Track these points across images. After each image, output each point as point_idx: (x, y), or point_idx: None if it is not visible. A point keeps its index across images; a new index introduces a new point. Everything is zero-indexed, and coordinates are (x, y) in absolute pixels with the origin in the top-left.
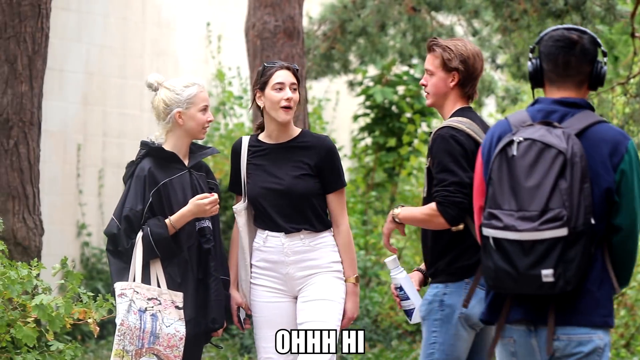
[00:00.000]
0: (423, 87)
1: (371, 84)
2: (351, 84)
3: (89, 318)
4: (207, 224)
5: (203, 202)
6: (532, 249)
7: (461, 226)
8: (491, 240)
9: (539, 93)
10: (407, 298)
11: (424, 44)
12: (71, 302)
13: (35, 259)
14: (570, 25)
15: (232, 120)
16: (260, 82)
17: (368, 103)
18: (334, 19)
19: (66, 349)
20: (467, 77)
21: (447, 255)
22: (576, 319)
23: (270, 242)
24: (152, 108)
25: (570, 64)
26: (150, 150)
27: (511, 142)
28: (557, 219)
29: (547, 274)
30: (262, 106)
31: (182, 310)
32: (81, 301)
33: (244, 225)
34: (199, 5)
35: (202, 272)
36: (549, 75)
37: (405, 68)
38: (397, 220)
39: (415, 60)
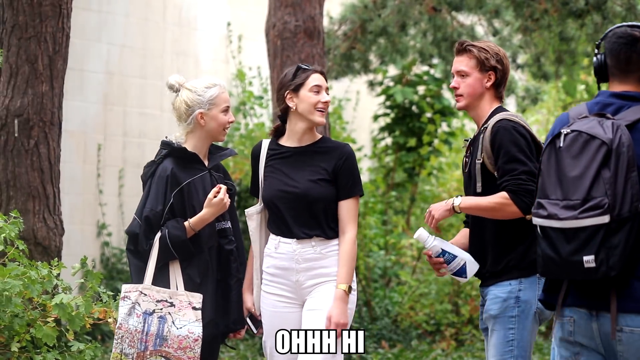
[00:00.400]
0: (454, 89)
1: (391, 83)
2: (371, 84)
3: (109, 317)
4: (228, 224)
5: (217, 199)
6: (575, 236)
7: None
8: (538, 229)
9: (595, 88)
10: (454, 257)
11: (444, 44)
12: (91, 302)
13: (56, 259)
14: (634, 23)
15: (252, 120)
16: (294, 84)
17: (388, 103)
18: (355, 19)
19: (86, 349)
20: (502, 77)
21: (516, 249)
22: (632, 305)
23: (281, 248)
24: (173, 109)
25: (632, 59)
26: (172, 151)
27: (559, 134)
28: (598, 207)
29: (588, 259)
30: (293, 107)
31: (199, 311)
32: (101, 301)
33: (256, 229)
34: (219, 5)
35: (222, 273)
36: (612, 70)
37: (426, 68)
38: (456, 210)
39: (435, 60)
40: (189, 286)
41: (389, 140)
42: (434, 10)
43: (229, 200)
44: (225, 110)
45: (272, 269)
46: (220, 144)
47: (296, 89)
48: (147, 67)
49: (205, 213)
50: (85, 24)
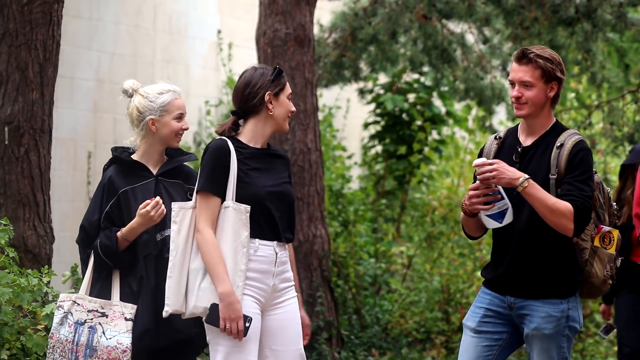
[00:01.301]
0: (517, 98)
1: (382, 91)
2: (362, 92)
3: None
4: (168, 232)
5: (146, 210)
6: None
7: (578, 239)
8: None
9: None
10: (503, 198)
11: (434, 52)
12: None
13: (46, 267)
14: None
15: None
16: (275, 88)
17: (379, 111)
18: (345, 27)
19: None
20: (560, 87)
21: (567, 269)
22: None
23: (261, 250)
24: (127, 114)
25: None
26: (114, 158)
27: None
28: None
29: None
30: (271, 110)
31: (131, 322)
32: None
33: (230, 228)
34: (209, 13)
35: (163, 281)
36: None
37: (416, 76)
38: (518, 189)
39: (426, 68)
40: (127, 295)
41: (379, 148)
42: (424, 18)
43: (162, 212)
44: (179, 117)
45: (250, 272)
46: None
47: (277, 93)
48: (138, 74)
49: (134, 222)
50: (76, 31)
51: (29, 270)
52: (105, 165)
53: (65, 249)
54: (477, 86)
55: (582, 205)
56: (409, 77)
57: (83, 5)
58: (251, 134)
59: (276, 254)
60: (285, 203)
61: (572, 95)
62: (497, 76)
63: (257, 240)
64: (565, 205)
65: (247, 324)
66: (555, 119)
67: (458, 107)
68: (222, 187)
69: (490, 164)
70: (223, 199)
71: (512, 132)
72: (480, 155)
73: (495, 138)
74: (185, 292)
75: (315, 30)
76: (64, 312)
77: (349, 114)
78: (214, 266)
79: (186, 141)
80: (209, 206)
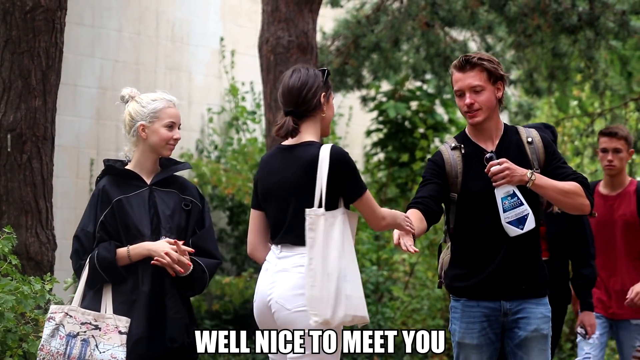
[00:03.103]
0: (470, 106)
1: (384, 99)
2: (364, 99)
3: None
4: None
5: (166, 255)
6: None
7: (596, 214)
8: None
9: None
10: (522, 203)
11: (437, 60)
12: None
13: (48, 274)
14: None
15: (245, 136)
16: (328, 89)
17: (381, 118)
18: (348, 35)
19: None
20: (504, 87)
21: (544, 265)
22: None
23: None
24: (122, 122)
25: None
26: (107, 168)
27: None
28: None
29: None
30: (324, 112)
31: (125, 336)
32: None
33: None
34: (212, 21)
35: (157, 289)
36: None
37: (419, 83)
38: (528, 185)
39: (428, 76)
40: (118, 307)
41: (381, 156)
42: (427, 25)
43: (173, 259)
44: (170, 125)
45: None
46: (204, 160)
47: (328, 96)
48: (140, 82)
49: (145, 249)
50: (79, 39)
51: (31, 277)
52: (98, 177)
53: (68, 256)
54: None
55: (584, 179)
56: (412, 84)
57: (86, 12)
58: (315, 135)
59: None
60: None
61: (575, 103)
62: None
63: None
64: (574, 184)
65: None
66: (503, 122)
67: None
68: None
69: (500, 163)
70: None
71: (466, 141)
72: (442, 169)
73: (454, 149)
74: (332, 300)
75: (318, 37)
76: (56, 324)
77: (351, 121)
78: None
79: (188, 148)
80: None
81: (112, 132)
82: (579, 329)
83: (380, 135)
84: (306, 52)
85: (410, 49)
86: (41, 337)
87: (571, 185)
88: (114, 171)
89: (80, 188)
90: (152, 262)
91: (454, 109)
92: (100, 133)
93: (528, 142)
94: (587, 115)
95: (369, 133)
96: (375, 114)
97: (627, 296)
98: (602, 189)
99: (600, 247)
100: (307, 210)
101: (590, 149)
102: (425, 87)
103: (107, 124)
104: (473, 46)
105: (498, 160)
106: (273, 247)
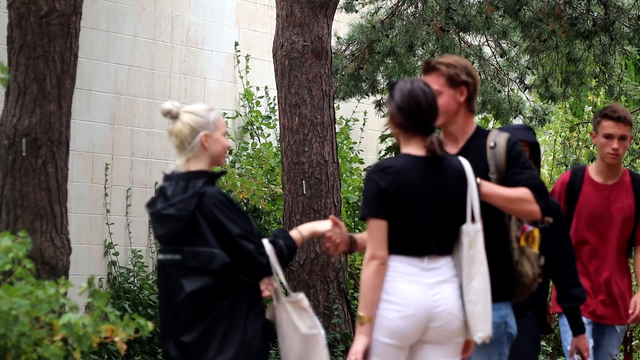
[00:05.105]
0: None
1: None
2: (379, 104)
3: (116, 337)
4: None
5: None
6: None
7: (550, 219)
8: None
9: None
10: None
11: None
12: (99, 321)
13: (63, 278)
14: None
15: (259, 140)
16: None
17: None
18: (362, 39)
19: None
20: (474, 90)
21: (507, 270)
22: None
23: None
24: (172, 136)
25: None
26: (211, 175)
27: None
28: None
29: None
30: None
31: None
32: (108, 320)
33: None
34: (227, 26)
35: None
36: None
37: None
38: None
39: None
40: None
41: None
42: (441, 30)
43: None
44: (225, 133)
45: None
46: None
47: None
48: (155, 87)
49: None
50: (94, 43)
51: (45, 281)
52: (201, 188)
53: (82, 261)
54: (494, 99)
55: (537, 184)
56: None
57: (101, 17)
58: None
59: None
60: None
61: (589, 108)
62: (514, 89)
63: None
64: (523, 190)
65: None
66: (476, 124)
67: (475, 119)
68: None
69: None
70: None
71: None
72: None
73: None
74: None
75: (333, 42)
76: None
77: (365, 126)
78: None
79: None
80: None
81: (127, 136)
82: (575, 356)
83: (395, 140)
84: (321, 57)
85: (425, 54)
86: (55, 341)
87: (519, 191)
88: (215, 177)
89: (95, 192)
90: None
91: None
92: (115, 138)
93: (490, 147)
94: None
95: (383, 138)
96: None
97: (630, 311)
98: (595, 176)
99: (592, 239)
100: (464, 227)
101: None
102: None
103: (122, 129)
104: (488, 51)
105: None
106: (410, 258)
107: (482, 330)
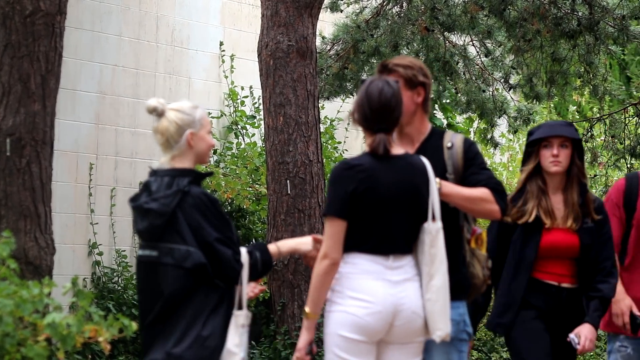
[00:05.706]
0: None
1: None
2: None
3: (100, 337)
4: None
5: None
6: None
7: (510, 218)
8: None
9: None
10: None
11: (436, 64)
12: (83, 321)
13: (47, 278)
14: None
15: (244, 140)
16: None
17: None
18: (347, 39)
19: None
20: (429, 91)
21: (462, 270)
22: None
23: None
24: (157, 134)
25: None
26: (195, 174)
27: None
28: None
29: None
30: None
31: None
32: (92, 320)
33: None
34: (211, 25)
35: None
36: None
37: None
38: (439, 191)
39: None
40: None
41: None
42: (426, 30)
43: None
44: (210, 131)
45: None
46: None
47: None
48: (140, 86)
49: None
50: (78, 43)
51: (29, 281)
52: (185, 187)
53: (66, 261)
54: (478, 99)
55: (495, 184)
56: None
57: (85, 17)
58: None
59: None
60: None
61: (574, 108)
62: (499, 89)
63: None
64: (482, 190)
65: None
66: (430, 124)
67: (460, 119)
68: None
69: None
70: None
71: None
72: None
73: None
74: (448, 315)
75: (318, 42)
76: None
77: (350, 126)
78: None
79: None
80: None
81: (112, 136)
82: (572, 336)
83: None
84: (305, 57)
85: (409, 54)
86: (39, 341)
87: (479, 191)
88: (201, 177)
89: (79, 192)
90: None
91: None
92: (100, 137)
93: (447, 147)
94: (587, 120)
95: None
96: None
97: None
98: None
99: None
100: (426, 225)
101: (589, 154)
102: None
103: (107, 129)
104: (472, 51)
105: None
106: (376, 257)
107: (441, 329)
